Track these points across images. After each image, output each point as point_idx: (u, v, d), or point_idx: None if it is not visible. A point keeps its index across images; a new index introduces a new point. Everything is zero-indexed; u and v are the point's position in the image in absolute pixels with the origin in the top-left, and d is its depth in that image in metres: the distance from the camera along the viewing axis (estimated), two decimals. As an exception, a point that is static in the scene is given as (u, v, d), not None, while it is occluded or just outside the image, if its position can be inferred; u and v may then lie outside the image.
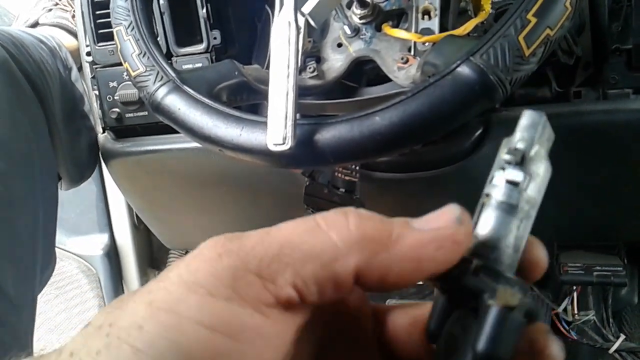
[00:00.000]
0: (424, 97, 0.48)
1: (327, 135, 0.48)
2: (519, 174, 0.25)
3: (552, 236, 0.94)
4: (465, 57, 0.47)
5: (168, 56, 0.79)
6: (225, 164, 0.80)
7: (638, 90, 0.66)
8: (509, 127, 0.26)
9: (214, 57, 0.78)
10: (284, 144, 0.46)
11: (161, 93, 0.55)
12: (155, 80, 0.56)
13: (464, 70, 0.47)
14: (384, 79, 0.69)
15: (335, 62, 0.70)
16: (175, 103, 0.54)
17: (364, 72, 0.74)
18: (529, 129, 0.25)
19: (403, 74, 0.66)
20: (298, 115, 0.67)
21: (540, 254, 0.26)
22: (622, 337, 0.99)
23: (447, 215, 0.24)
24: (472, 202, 0.78)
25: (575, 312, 1.06)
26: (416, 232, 0.24)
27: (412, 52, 0.66)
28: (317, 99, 0.70)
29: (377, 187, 0.78)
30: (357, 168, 0.74)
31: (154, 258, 1.27)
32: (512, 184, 0.25)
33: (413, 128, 0.48)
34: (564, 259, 0.94)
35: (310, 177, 0.71)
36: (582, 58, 0.66)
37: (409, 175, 0.75)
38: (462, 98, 0.47)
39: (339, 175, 0.73)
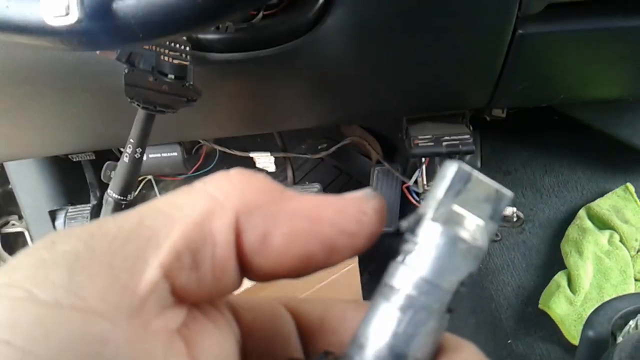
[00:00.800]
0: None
1: (131, 0, 0.37)
2: (410, 245, 0.18)
3: (399, 110, 0.92)
4: None
5: None
6: (20, 54, 0.64)
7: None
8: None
9: None
10: (67, 15, 0.34)
11: None
12: None
13: None
14: None
15: None
16: None
17: None
18: (439, 185, 0.18)
19: None
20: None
21: None
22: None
23: (355, 192, 0.20)
24: (318, 80, 0.71)
25: (425, 183, 1.08)
26: (313, 195, 0.19)
27: None
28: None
29: (214, 71, 0.68)
30: (188, 49, 0.63)
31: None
32: (400, 259, 0.18)
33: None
34: (413, 132, 0.93)
35: (129, 63, 0.59)
36: None
37: (249, 54, 0.66)
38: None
39: (165, 58, 0.61)
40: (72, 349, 0.14)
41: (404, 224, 0.19)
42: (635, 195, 1.05)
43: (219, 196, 0.18)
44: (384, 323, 0.18)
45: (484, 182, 0.18)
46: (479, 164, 1.14)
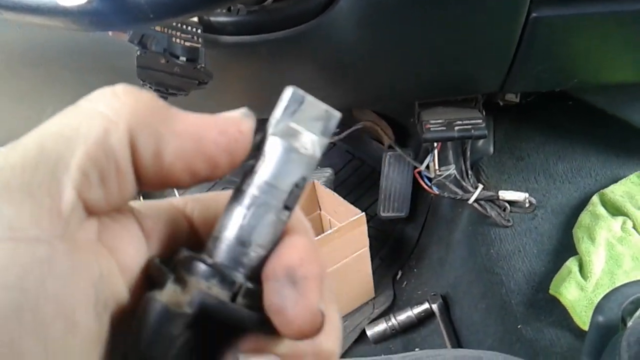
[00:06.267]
0: None
1: (141, -19, 0.37)
2: (257, 157, 0.22)
3: (411, 94, 0.92)
4: None
5: None
6: (35, 36, 0.65)
7: None
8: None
9: None
10: (79, -6, 0.34)
11: None
12: None
13: None
14: None
15: None
16: None
17: None
18: (278, 106, 0.22)
19: None
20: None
21: (287, 255, 0.21)
22: (480, 187, 1.02)
23: (233, 112, 0.22)
24: (328, 63, 0.71)
25: (437, 168, 1.08)
26: (197, 114, 0.21)
27: None
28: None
29: (225, 54, 0.68)
30: (199, 31, 0.63)
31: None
32: (247, 168, 0.22)
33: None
34: (425, 117, 0.93)
35: (141, 45, 0.59)
36: None
37: (260, 37, 0.66)
38: None
39: (177, 40, 0.62)
40: (27, 273, 0.16)
41: (255, 139, 0.21)
42: (649, 182, 1.04)
43: (111, 114, 0.19)
44: (233, 218, 0.21)
45: (316, 104, 0.21)
46: (491, 149, 1.14)
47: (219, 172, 0.21)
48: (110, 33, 0.62)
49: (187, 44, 0.62)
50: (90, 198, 0.19)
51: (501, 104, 1.03)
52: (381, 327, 1.16)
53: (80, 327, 0.18)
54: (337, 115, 0.22)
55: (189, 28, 0.62)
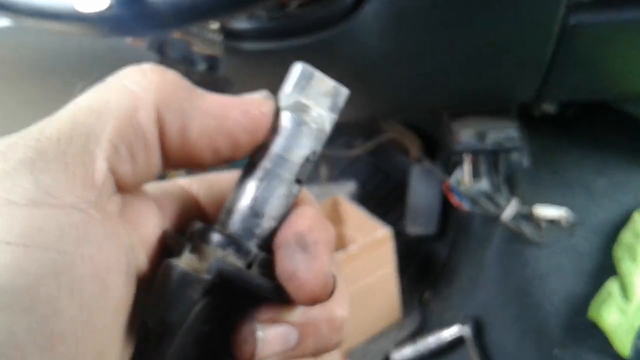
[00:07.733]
0: None
1: (158, -17, 0.35)
2: (269, 131, 0.23)
3: (441, 104, 0.89)
4: None
5: None
6: (49, 43, 0.64)
7: None
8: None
9: None
10: (98, 1, 0.33)
11: None
12: None
13: None
14: None
15: None
16: None
17: None
18: (288, 82, 0.22)
19: None
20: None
21: (298, 222, 0.22)
22: (514, 202, 0.99)
23: (254, 94, 0.23)
24: (352, 70, 0.68)
25: (468, 181, 1.05)
26: (221, 95, 0.22)
27: None
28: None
29: (246, 61, 0.67)
30: (220, 38, 0.61)
31: None
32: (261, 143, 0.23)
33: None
34: (456, 127, 0.90)
35: (160, 52, 0.58)
36: None
37: (282, 44, 0.65)
38: None
39: (197, 48, 0.60)
40: (64, 235, 0.17)
41: None
42: (694, 198, 0.99)
43: (139, 91, 0.20)
44: (246, 191, 0.22)
45: (325, 80, 0.22)
46: (526, 162, 1.10)
47: (240, 151, 0.22)
48: (128, 40, 0.61)
49: (207, 51, 0.60)
50: (119, 172, 0.20)
51: (535, 115, 1.00)
52: (408, 351, 1.12)
53: (111, 290, 0.18)
54: (345, 91, 0.23)
55: (210, 35, 0.61)
